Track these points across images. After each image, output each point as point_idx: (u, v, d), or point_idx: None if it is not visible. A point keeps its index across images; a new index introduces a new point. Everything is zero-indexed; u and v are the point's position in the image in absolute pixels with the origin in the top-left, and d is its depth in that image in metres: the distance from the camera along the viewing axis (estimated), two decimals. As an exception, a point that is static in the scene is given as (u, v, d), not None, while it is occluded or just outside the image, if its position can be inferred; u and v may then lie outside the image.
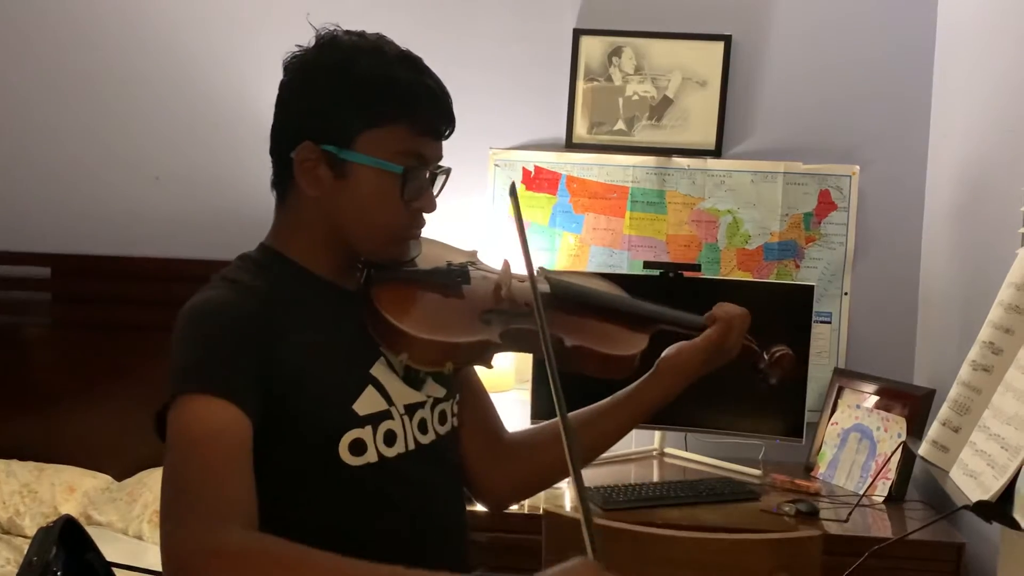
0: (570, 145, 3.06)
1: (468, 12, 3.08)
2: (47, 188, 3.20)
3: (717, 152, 3.03)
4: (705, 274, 2.95)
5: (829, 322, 3.00)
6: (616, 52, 3.05)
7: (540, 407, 2.78)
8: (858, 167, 3.00)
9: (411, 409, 1.32)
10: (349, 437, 1.25)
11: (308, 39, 1.35)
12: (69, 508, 2.75)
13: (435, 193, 1.34)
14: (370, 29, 1.38)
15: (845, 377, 2.90)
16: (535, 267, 1.39)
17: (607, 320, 1.50)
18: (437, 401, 1.38)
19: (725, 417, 2.85)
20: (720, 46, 3.01)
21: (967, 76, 2.74)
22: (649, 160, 3.04)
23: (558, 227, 3.07)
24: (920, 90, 2.98)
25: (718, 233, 3.04)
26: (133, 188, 3.18)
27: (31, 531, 2.58)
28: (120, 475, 2.98)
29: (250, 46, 3.11)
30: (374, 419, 1.27)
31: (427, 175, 1.31)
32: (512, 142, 3.07)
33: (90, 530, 2.22)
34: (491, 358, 1.37)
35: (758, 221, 3.02)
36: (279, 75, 1.35)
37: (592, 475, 2.68)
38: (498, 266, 1.49)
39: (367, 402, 1.27)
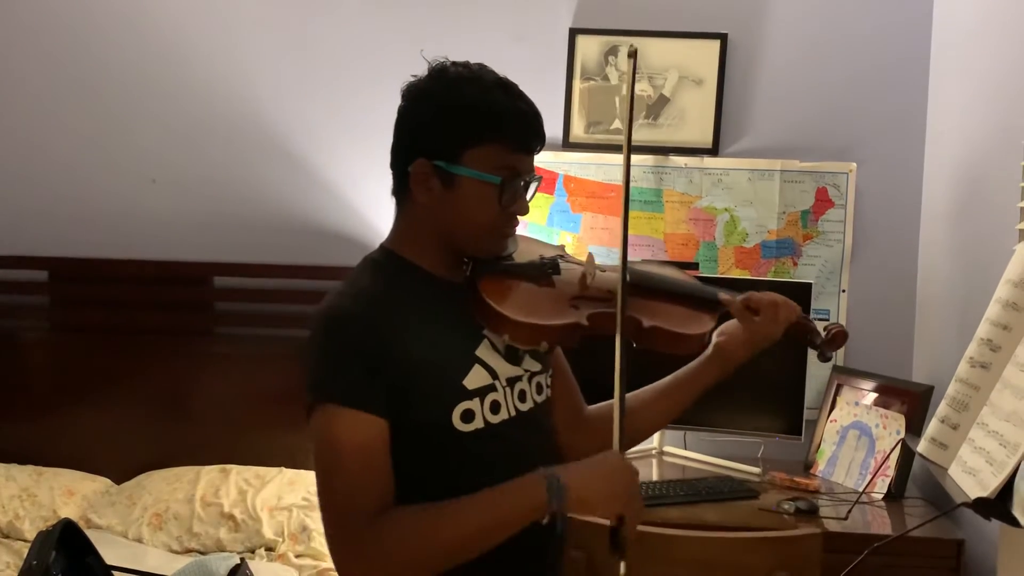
0: (567, 144, 3.06)
1: (464, 11, 3.07)
2: (44, 192, 3.20)
3: (714, 150, 3.03)
4: (703, 272, 2.95)
5: (827, 319, 3.00)
6: (612, 51, 3.05)
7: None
8: (855, 164, 3.00)
9: (512, 381, 1.54)
10: (461, 408, 1.47)
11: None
12: (68, 512, 2.75)
13: (528, 198, 1.54)
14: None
15: (844, 374, 2.90)
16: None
17: (679, 303, 1.68)
18: (534, 374, 1.59)
19: (724, 415, 2.85)
20: (716, 44, 3.01)
21: (963, 72, 2.75)
22: (646, 159, 3.04)
23: (556, 226, 3.07)
24: (917, 87, 2.98)
25: (715, 231, 3.04)
26: (130, 191, 3.18)
27: (31, 535, 2.58)
28: (119, 478, 2.99)
29: (247, 48, 3.10)
30: (481, 392, 1.49)
31: (521, 184, 1.52)
32: (509, 142, 3.07)
33: (89, 533, 2.22)
34: (578, 339, 1.56)
35: (755, 219, 3.02)
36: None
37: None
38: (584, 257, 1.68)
39: (475, 378, 1.49)
